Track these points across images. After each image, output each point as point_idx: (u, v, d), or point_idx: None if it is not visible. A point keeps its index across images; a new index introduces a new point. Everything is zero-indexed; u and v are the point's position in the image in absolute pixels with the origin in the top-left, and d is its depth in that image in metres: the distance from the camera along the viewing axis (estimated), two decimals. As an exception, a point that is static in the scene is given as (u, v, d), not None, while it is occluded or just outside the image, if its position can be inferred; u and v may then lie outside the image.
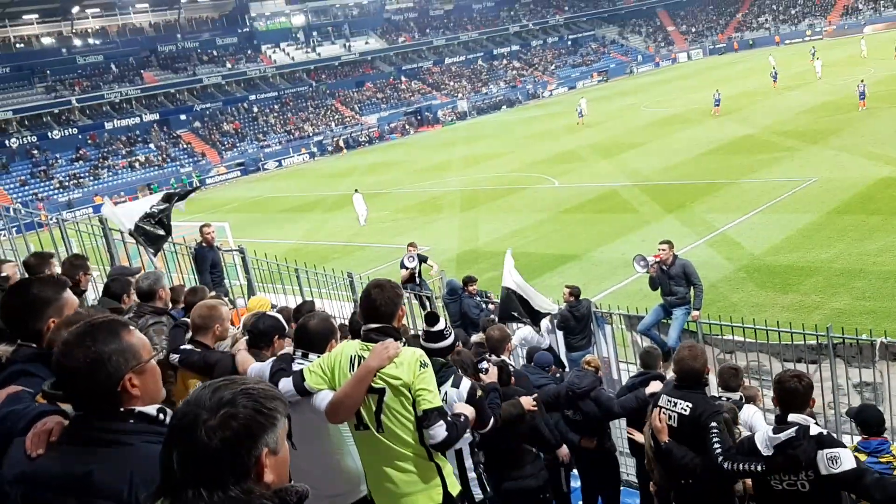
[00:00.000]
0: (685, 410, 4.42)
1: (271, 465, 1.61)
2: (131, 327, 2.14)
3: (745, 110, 38.99)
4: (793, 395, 3.98)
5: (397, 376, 3.43)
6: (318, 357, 3.84)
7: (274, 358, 3.99)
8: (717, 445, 4.24)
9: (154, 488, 1.60)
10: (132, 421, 2.04)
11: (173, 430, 1.58)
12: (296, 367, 3.83)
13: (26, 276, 4.75)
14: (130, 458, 1.95)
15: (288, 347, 4.47)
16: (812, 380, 4.13)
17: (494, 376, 4.87)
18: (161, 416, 2.10)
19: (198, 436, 1.53)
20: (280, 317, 4.55)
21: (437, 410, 3.42)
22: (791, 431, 3.90)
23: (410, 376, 3.43)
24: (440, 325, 4.14)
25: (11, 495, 2.04)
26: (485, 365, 4.85)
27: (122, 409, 2.04)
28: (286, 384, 3.59)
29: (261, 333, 4.31)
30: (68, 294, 2.95)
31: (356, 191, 29.63)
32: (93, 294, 6.55)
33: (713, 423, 4.32)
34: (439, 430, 3.40)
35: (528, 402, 5.10)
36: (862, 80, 34.13)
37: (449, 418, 3.49)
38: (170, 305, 5.58)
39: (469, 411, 3.77)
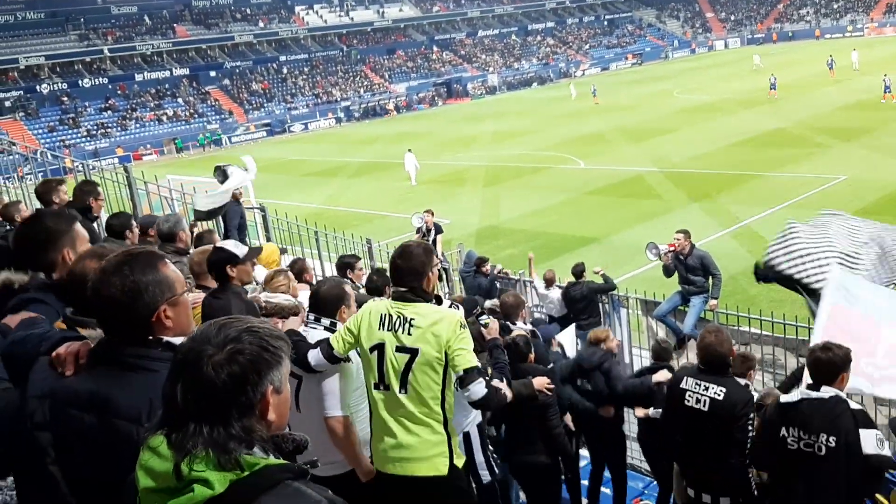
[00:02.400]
0: (718, 395, 4.36)
1: (275, 403, 1.61)
2: (167, 260, 2.17)
3: (779, 103, 38.36)
4: (817, 366, 3.99)
5: (436, 335, 3.36)
6: (329, 321, 3.82)
7: None
8: (748, 443, 4.28)
9: (156, 420, 1.61)
10: (159, 349, 2.07)
11: (178, 365, 1.58)
12: (310, 331, 3.82)
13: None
14: (153, 384, 1.96)
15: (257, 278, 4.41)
16: (845, 353, 4.05)
17: (496, 331, 4.80)
18: None
19: (204, 371, 1.53)
20: (230, 246, 4.44)
21: (476, 369, 3.37)
22: (824, 395, 3.92)
23: (450, 336, 3.36)
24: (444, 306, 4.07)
25: (38, 411, 2.08)
26: (484, 319, 4.74)
27: (150, 338, 2.08)
28: (316, 355, 3.55)
29: (212, 266, 4.24)
30: (79, 226, 3.03)
31: (409, 150, 29.71)
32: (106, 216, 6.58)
33: (752, 415, 4.31)
34: (479, 388, 3.35)
35: (541, 382, 5.01)
36: (885, 74, 34.68)
37: (488, 377, 3.44)
38: (190, 248, 5.58)
39: (506, 389, 3.69)
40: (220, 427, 1.52)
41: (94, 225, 5.69)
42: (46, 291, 2.78)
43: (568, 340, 7.33)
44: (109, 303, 2.04)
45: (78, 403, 2.02)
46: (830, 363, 3.97)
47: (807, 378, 4.17)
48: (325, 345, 3.56)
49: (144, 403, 1.95)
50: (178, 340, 2.09)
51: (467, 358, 3.38)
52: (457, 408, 4.16)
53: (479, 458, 4.31)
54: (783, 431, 4.05)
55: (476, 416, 4.35)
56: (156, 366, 2.03)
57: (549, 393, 5.05)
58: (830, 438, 3.87)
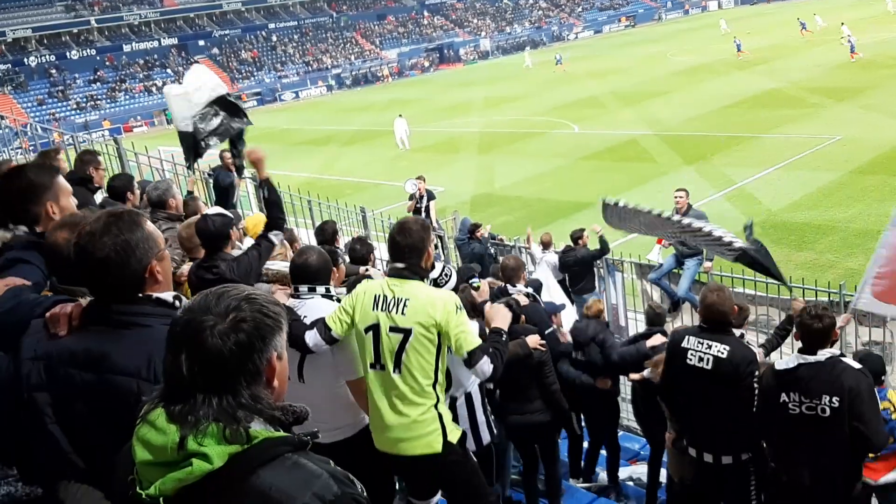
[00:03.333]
0: (722, 353, 4.34)
1: (279, 370, 1.61)
2: (145, 216, 2.20)
3: (773, 63, 38.10)
4: (812, 334, 4.03)
5: (430, 316, 3.39)
6: (324, 288, 3.81)
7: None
8: (754, 405, 4.29)
9: (155, 393, 1.59)
10: (150, 305, 2.09)
11: (178, 337, 1.55)
12: (306, 301, 3.79)
13: None
14: (149, 339, 1.99)
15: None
16: (832, 318, 4.12)
17: (486, 293, 4.79)
18: (177, 302, 2.15)
19: (210, 341, 1.51)
20: (223, 210, 4.45)
21: (478, 348, 3.41)
22: (821, 358, 3.97)
23: (445, 319, 3.38)
24: (435, 273, 4.04)
25: (33, 372, 2.08)
26: (475, 282, 4.74)
27: (140, 295, 2.09)
28: (314, 337, 3.55)
29: (216, 235, 4.21)
30: (61, 179, 2.99)
31: (399, 115, 29.67)
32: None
33: (756, 374, 4.32)
34: (485, 366, 3.40)
35: (534, 340, 5.03)
36: (850, 34, 35.66)
37: (490, 350, 3.46)
38: (182, 214, 5.52)
39: (502, 318, 3.70)
40: (229, 396, 1.51)
41: (97, 196, 5.66)
42: (31, 250, 2.75)
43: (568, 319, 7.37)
44: (103, 264, 2.03)
45: (74, 362, 2.03)
46: (825, 331, 4.03)
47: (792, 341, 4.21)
48: (321, 327, 3.56)
49: (142, 358, 1.97)
50: (167, 295, 2.13)
51: (469, 339, 3.41)
52: (459, 368, 4.14)
53: (480, 418, 4.32)
54: (783, 397, 4.07)
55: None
56: (149, 321, 2.04)
57: (543, 349, 5.07)
58: (833, 399, 3.90)
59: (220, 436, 1.47)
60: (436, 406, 3.52)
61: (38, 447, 2.11)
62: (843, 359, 4.04)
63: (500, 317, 3.73)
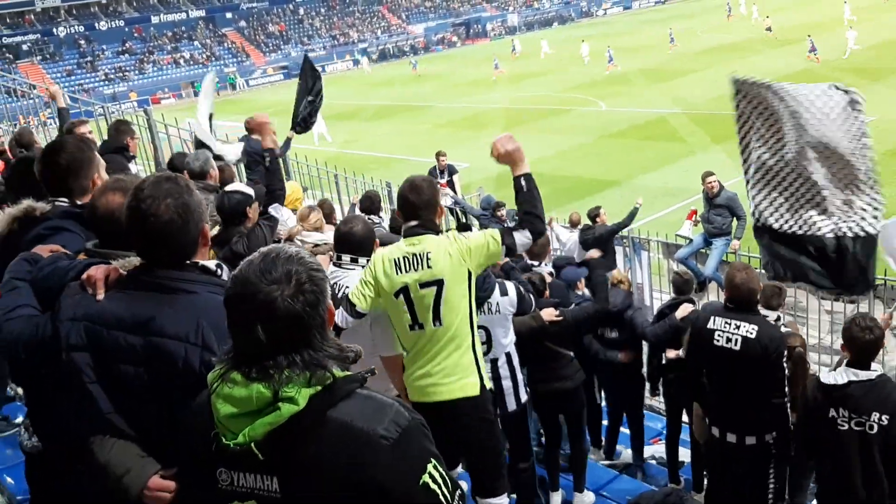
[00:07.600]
0: (751, 333, 4.29)
1: (331, 311, 1.75)
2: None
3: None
4: (862, 347, 3.95)
5: (451, 256, 3.45)
6: (366, 260, 3.79)
7: None
8: (786, 389, 4.27)
9: (228, 355, 1.67)
10: (196, 272, 2.12)
11: (250, 313, 1.62)
12: (348, 272, 3.81)
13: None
14: (196, 304, 2.03)
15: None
16: (881, 329, 4.06)
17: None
18: (219, 270, 2.18)
19: (283, 307, 1.60)
20: (243, 187, 4.46)
21: (503, 233, 3.50)
22: (872, 376, 3.92)
23: (462, 248, 3.46)
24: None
25: (72, 333, 2.07)
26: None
27: (186, 262, 2.12)
28: (340, 315, 3.56)
29: (232, 212, 4.26)
30: (96, 153, 3.10)
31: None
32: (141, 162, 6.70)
33: (786, 354, 4.29)
34: (521, 237, 3.51)
35: (549, 313, 5.01)
36: (609, 46, 36.52)
37: (514, 224, 3.59)
38: (218, 185, 5.57)
39: (518, 157, 3.91)
40: (309, 350, 1.63)
41: (131, 165, 5.76)
42: (69, 219, 2.79)
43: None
44: (167, 227, 2.04)
45: (121, 325, 2.03)
46: (876, 343, 3.96)
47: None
48: (346, 303, 3.58)
49: (191, 324, 1.99)
50: (210, 263, 2.18)
51: (491, 235, 3.49)
52: (499, 330, 4.28)
53: (519, 376, 4.37)
54: (832, 413, 4.01)
55: (514, 337, 4.42)
56: (195, 288, 2.07)
57: (559, 318, 5.05)
58: (883, 417, 3.87)
59: (305, 382, 1.60)
60: (472, 347, 3.56)
61: (70, 406, 2.12)
62: (890, 378, 3.99)
63: (517, 156, 3.88)
